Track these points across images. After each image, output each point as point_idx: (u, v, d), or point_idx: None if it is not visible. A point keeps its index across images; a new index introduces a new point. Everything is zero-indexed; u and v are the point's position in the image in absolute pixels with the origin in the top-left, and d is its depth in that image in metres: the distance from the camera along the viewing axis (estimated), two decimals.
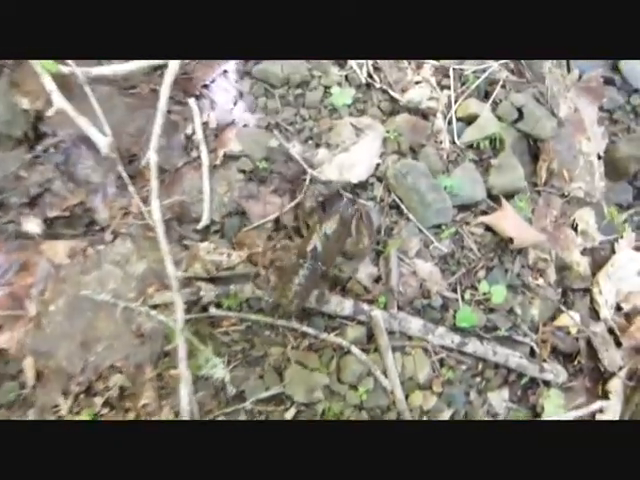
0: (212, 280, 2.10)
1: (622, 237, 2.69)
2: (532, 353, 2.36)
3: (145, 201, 2.10)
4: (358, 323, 2.15)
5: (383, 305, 2.16)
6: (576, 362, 2.47)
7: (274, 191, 2.21)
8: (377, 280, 2.21)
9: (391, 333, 2.15)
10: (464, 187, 2.32)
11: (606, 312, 2.53)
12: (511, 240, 2.30)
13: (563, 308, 2.45)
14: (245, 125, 2.27)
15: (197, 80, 2.28)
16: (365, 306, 2.14)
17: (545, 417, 2.31)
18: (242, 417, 2.04)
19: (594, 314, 2.56)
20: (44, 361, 1.99)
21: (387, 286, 2.17)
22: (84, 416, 1.95)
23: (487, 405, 2.27)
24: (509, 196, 2.43)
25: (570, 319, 2.43)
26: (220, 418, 2.02)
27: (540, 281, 2.42)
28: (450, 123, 2.46)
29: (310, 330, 2.10)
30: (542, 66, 2.67)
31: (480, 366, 2.28)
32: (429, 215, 2.26)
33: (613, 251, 2.68)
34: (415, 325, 2.17)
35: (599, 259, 2.65)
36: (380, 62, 2.46)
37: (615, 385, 2.42)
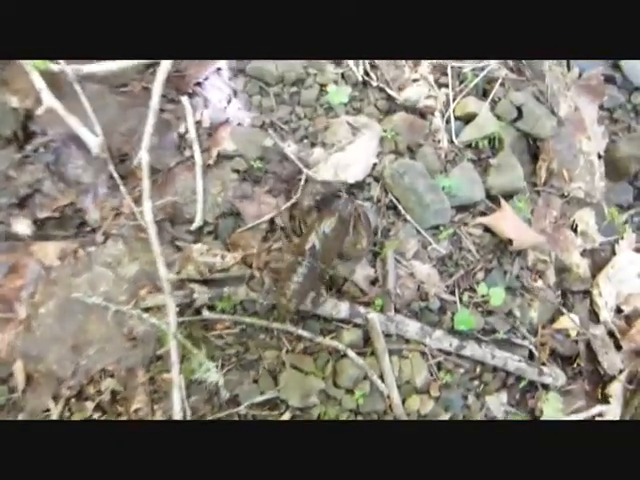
0: (205, 282, 2.07)
1: (622, 238, 2.66)
2: (531, 356, 2.34)
3: (137, 202, 2.06)
4: (354, 326, 2.13)
5: (380, 308, 2.13)
6: (575, 365, 2.45)
7: (269, 191, 2.18)
8: (374, 282, 2.17)
9: (388, 336, 2.12)
10: (462, 187, 2.28)
11: (606, 314, 2.50)
12: (510, 241, 2.27)
13: (563, 310, 2.42)
14: (239, 124, 2.23)
15: (190, 78, 2.24)
16: (361, 309, 2.11)
17: None
18: None
19: (594, 316, 2.54)
20: (34, 365, 1.97)
21: (384, 288, 2.14)
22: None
23: (485, 409, 2.25)
24: (508, 196, 2.40)
25: (569, 321, 2.40)
26: None
27: (539, 283, 2.39)
28: (448, 122, 2.43)
29: (305, 333, 2.07)
30: (542, 64, 2.63)
31: (478, 369, 2.26)
32: (427, 216, 2.22)
33: (613, 252, 2.65)
34: (412, 328, 2.14)
35: (599, 260, 2.63)
36: (377, 60, 2.42)
37: (615, 389, 2.40)
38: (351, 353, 2.05)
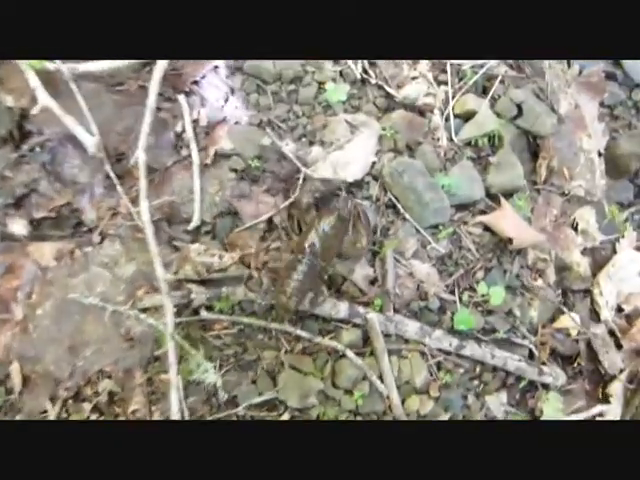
0: (203, 282, 2.06)
1: (623, 237, 2.64)
2: (531, 356, 2.32)
3: (134, 201, 2.04)
4: (353, 326, 2.11)
5: (379, 307, 2.11)
6: (576, 364, 2.43)
7: (267, 190, 2.16)
8: (373, 282, 2.16)
9: (387, 336, 2.11)
10: (462, 186, 2.27)
11: (607, 313, 2.49)
12: (510, 240, 2.25)
13: (564, 309, 2.41)
14: (237, 122, 2.21)
15: (187, 76, 2.21)
16: (360, 309, 2.10)
17: None
18: None
19: (594, 315, 2.52)
20: (31, 366, 1.96)
21: (383, 288, 2.12)
22: None
23: (485, 409, 2.24)
24: (508, 195, 2.38)
25: (570, 321, 2.39)
26: None
27: (539, 282, 2.37)
28: (447, 120, 2.41)
29: (304, 333, 2.06)
30: (542, 61, 2.61)
31: (478, 369, 2.25)
32: (426, 215, 2.21)
33: (614, 251, 2.63)
34: (412, 328, 2.13)
35: (600, 259, 2.61)
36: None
37: (615, 388, 2.39)
38: (350, 353, 2.04)
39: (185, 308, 2.02)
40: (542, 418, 2.28)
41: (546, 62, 2.60)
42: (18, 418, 1.92)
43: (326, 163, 2.17)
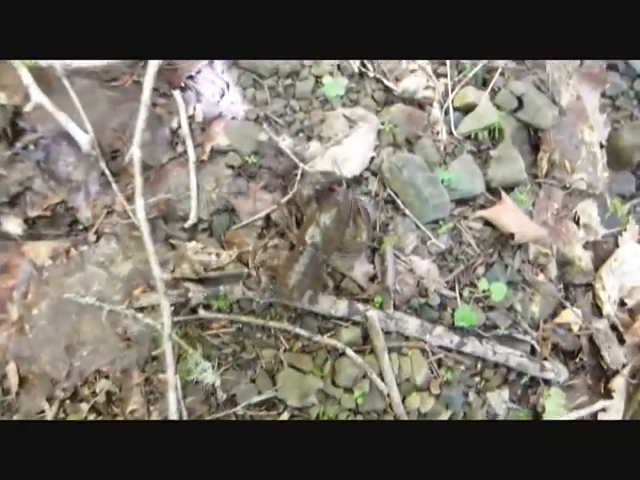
0: (201, 281, 2.03)
1: (626, 230, 2.62)
2: (533, 351, 2.31)
3: (129, 199, 2.02)
4: (353, 324, 2.10)
5: (379, 305, 2.10)
6: (578, 360, 2.42)
7: (264, 187, 2.13)
8: (372, 279, 2.14)
9: (387, 334, 2.10)
10: (462, 180, 2.24)
11: (609, 308, 2.47)
12: (511, 235, 2.23)
13: (566, 304, 2.39)
14: (233, 118, 2.18)
15: (182, 71, 2.18)
16: (360, 306, 2.08)
17: (546, 417, 2.28)
18: None
19: (596, 310, 2.51)
20: (27, 366, 1.94)
21: (383, 285, 2.11)
22: None
23: (486, 406, 2.23)
24: (509, 189, 2.36)
25: (572, 315, 2.37)
26: None
27: (541, 277, 2.35)
28: (447, 113, 2.38)
29: (303, 332, 2.04)
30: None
31: (479, 366, 2.24)
32: (426, 210, 2.18)
33: (616, 245, 2.61)
34: (412, 325, 2.11)
35: (602, 253, 2.59)
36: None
37: (618, 383, 2.38)
38: (350, 351, 2.02)
39: (183, 307, 2.00)
40: (544, 414, 2.28)
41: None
42: (15, 418, 1.91)
43: (324, 159, 2.14)
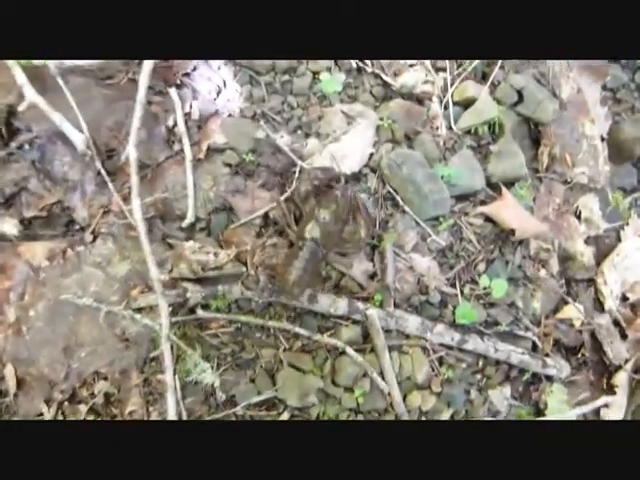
0: (199, 281, 2.02)
1: (628, 224, 2.60)
2: (534, 348, 2.30)
3: (126, 199, 2.00)
4: (353, 322, 2.08)
5: (379, 303, 2.08)
6: (580, 355, 2.40)
7: (262, 185, 2.12)
8: (372, 277, 2.12)
9: (388, 332, 2.08)
10: (462, 176, 2.23)
11: (611, 303, 2.45)
12: (512, 231, 2.21)
13: (568, 299, 2.37)
14: (230, 115, 2.16)
15: (178, 68, 2.16)
16: (360, 304, 2.06)
17: (548, 413, 2.26)
18: None
19: (598, 305, 2.49)
20: (25, 368, 1.93)
21: (383, 283, 2.09)
22: None
23: (488, 403, 2.21)
24: (509, 184, 2.34)
25: (574, 311, 2.36)
26: None
27: (542, 272, 2.33)
28: (446, 108, 2.37)
29: (303, 331, 2.02)
30: None
31: (480, 363, 2.22)
32: (426, 207, 2.16)
33: (618, 239, 2.59)
34: (413, 323, 2.09)
35: (604, 248, 2.57)
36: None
37: (621, 379, 2.36)
38: (350, 350, 2.01)
39: (181, 307, 1.98)
40: (546, 411, 2.26)
41: None
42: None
43: (322, 156, 2.13)
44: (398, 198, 2.17)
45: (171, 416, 1.79)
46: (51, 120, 1.98)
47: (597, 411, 2.35)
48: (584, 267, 2.46)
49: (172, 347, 1.88)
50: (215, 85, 2.18)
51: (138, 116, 1.95)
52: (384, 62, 2.30)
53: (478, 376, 2.22)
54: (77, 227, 2.05)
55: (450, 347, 2.15)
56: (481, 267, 2.22)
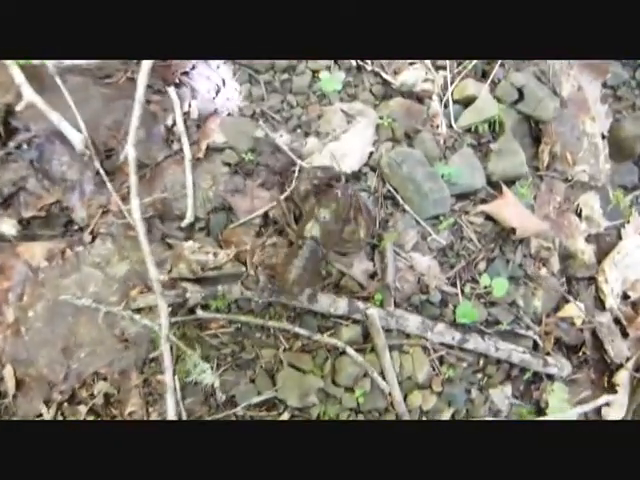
0: (198, 281, 2.01)
1: (629, 222, 2.59)
2: (535, 347, 2.29)
3: (125, 198, 1.99)
4: (353, 322, 2.08)
5: (379, 302, 2.07)
6: (581, 354, 2.40)
7: (261, 184, 2.11)
8: (372, 276, 2.11)
9: (388, 331, 2.07)
10: (462, 175, 2.21)
11: (612, 301, 2.45)
12: (513, 230, 2.20)
13: (569, 298, 2.36)
14: (229, 114, 2.15)
15: (176, 67, 2.15)
16: (360, 304, 2.05)
17: (549, 412, 2.26)
18: None
19: (599, 304, 2.49)
20: (24, 369, 1.93)
21: (383, 282, 2.08)
22: None
23: (489, 402, 2.21)
24: (510, 182, 2.33)
25: (575, 309, 2.35)
26: None
27: (543, 271, 2.32)
28: (446, 106, 2.35)
29: (303, 331, 2.02)
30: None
31: (481, 362, 2.22)
32: (426, 206, 2.15)
33: (619, 237, 2.58)
34: (413, 322, 2.08)
35: (605, 246, 2.56)
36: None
37: (622, 377, 2.36)
38: (350, 350, 2.00)
39: (180, 307, 1.97)
40: (547, 410, 2.26)
41: None
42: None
43: (322, 155, 2.12)
44: (398, 197, 2.15)
45: (171, 417, 1.79)
46: (49, 119, 1.97)
47: (598, 410, 2.35)
48: (585, 265, 2.45)
49: (172, 347, 1.87)
50: (214, 84, 2.17)
51: (137, 115, 1.95)
52: (384, 60, 2.28)
53: (479, 375, 2.22)
54: (76, 227, 2.05)
55: (451, 346, 2.14)
56: (482, 266, 2.21)
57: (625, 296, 2.49)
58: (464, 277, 2.19)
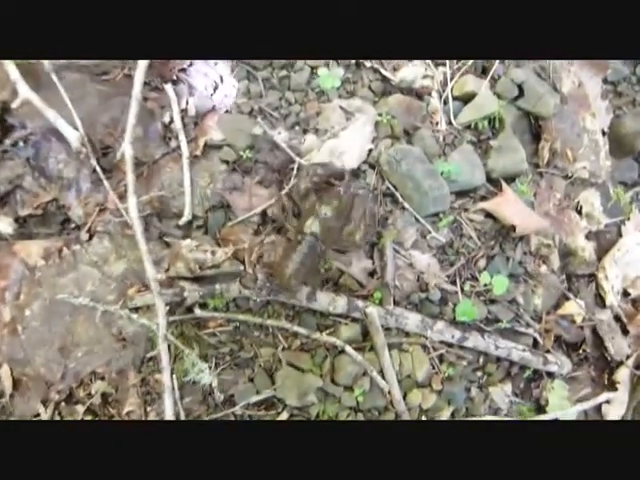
0: (196, 279, 1.99)
1: (629, 219, 2.59)
2: (535, 344, 2.28)
3: (122, 197, 1.98)
4: (352, 321, 2.07)
5: (378, 301, 2.06)
6: (581, 351, 2.40)
7: (260, 182, 2.09)
8: (372, 274, 2.10)
9: (387, 330, 2.07)
10: (462, 172, 2.20)
11: (612, 298, 2.44)
12: (513, 227, 2.19)
13: (569, 295, 2.35)
14: (227, 111, 2.13)
15: (174, 64, 2.13)
16: (359, 302, 2.04)
17: (549, 410, 2.26)
18: None
19: (600, 301, 2.48)
20: (21, 368, 1.91)
21: (382, 280, 2.07)
22: None
23: (489, 400, 2.21)
24: (510, 179, 2.32)
25: (575, 307, 2.35)
26: None
27: (543, 268, 2.31)
28: (446, 103, 2.33)
29: (302, 329, 2.01)
30: None
31: (481, 360, 2.21)
32: (426, 203, 2.14)
33: (620, 234, 2.58)
34: (413, 321, 2.08)
35: (605, 243, 2.56)
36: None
37: (622, 375, 2.36)
38: (349, 349, 1.99)
39: (178, 306, 1.96)
40: (547, 407, 2.26)
41: None
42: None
43: (321, 152, 2.10)
44: (397, 194, 2.14)
45: (169, 416, 1.79)
46: (45, 117, 1.95)
47: (598, 407, 2.35)
48: (585, 262, 2.44)
49: (169, 347, 1.87)
50: (212, 81, 2.15)
51: (134, 112, 1.94)
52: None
53: (479, 373, 2.21)
54: (73, 225, 2.03)
55: (450, 345, 2.14)
56: (481, 264, 2.20)
57: (625, 293, 2.49)
58: (464, 275, 2.17)
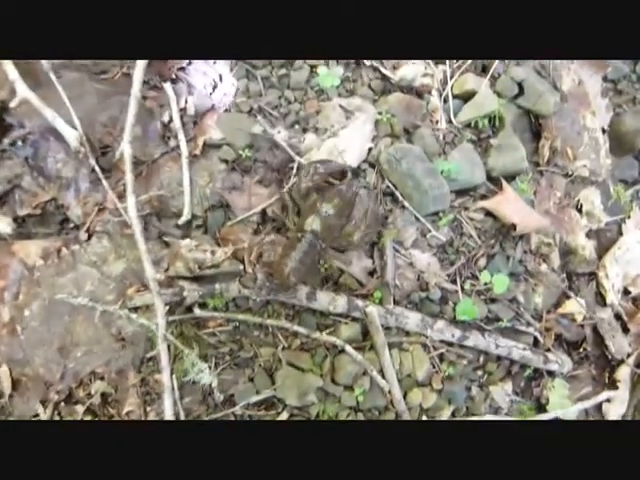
0: (196, 279, 1.99)
1: (629, 217, 2.58)
2: (536, 343, 2.28)
3: (121, 196, 1.97)
4: (352, 320, 2.06)
5: (378, 300, 2.06)
6: (581, 350, 2.39)
7: (259, 181, 2.09)
8: (372, 273, 2.10)
9: (387, 329, 2.06)
10: (462, 170, 2.19)
11: (613, 297, 2.44)
12: (513, 226, 2.18)
13: (570, 294, 2.35)
14: (226, 110, 2.13)
15: (173, 62, 2.12)
16: (359, 302, 2.04)
17: (550, 409, 2.25)
18: None
19: (600, 299, 2.48)
20: (20, 369, 1.91)
21: (382, 279, 2.06)
22: None
23: (489, 399, 2.20)
24: (510, 178, 2.31)
25: (575, 305, 2.34)
26: None
27: (543, 267, 2.31)
28: (446, 101, 2.33)
29: (302, 329, 2.00)
30: None
31: (482, 359, 2.21)
32: (426, 202, 2.13)
33: (620, 232, 2.57)
34: (413, 320, 2.07)
35: (605, 241, 2.55)
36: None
37: (623, 373, 2.36)
38: (349, 348, 1.99)
39: (178, 306, 1.95)
40: (548, 406, 2.25)
41: None
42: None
43: (320, 151, 2.10)
44: (397, 193, 2.13)
45: (168, 416, 1.79)
46: (44, 116, 1.95)
47: (599, 406, 2.35)
48: (585, 261, 2.44)
49: (169, 347, 1.87)
50: (211, 79, 2.14)
51: (133, 112, 1.94)
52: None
53: (479, 372, 2.21)
54: (72, 225, 2.03)
55: (451, 344, 2.13)
56: (482, 262, 2.19)
57: (626, 292, 2.49)
58: (464, 274, 2.17)
